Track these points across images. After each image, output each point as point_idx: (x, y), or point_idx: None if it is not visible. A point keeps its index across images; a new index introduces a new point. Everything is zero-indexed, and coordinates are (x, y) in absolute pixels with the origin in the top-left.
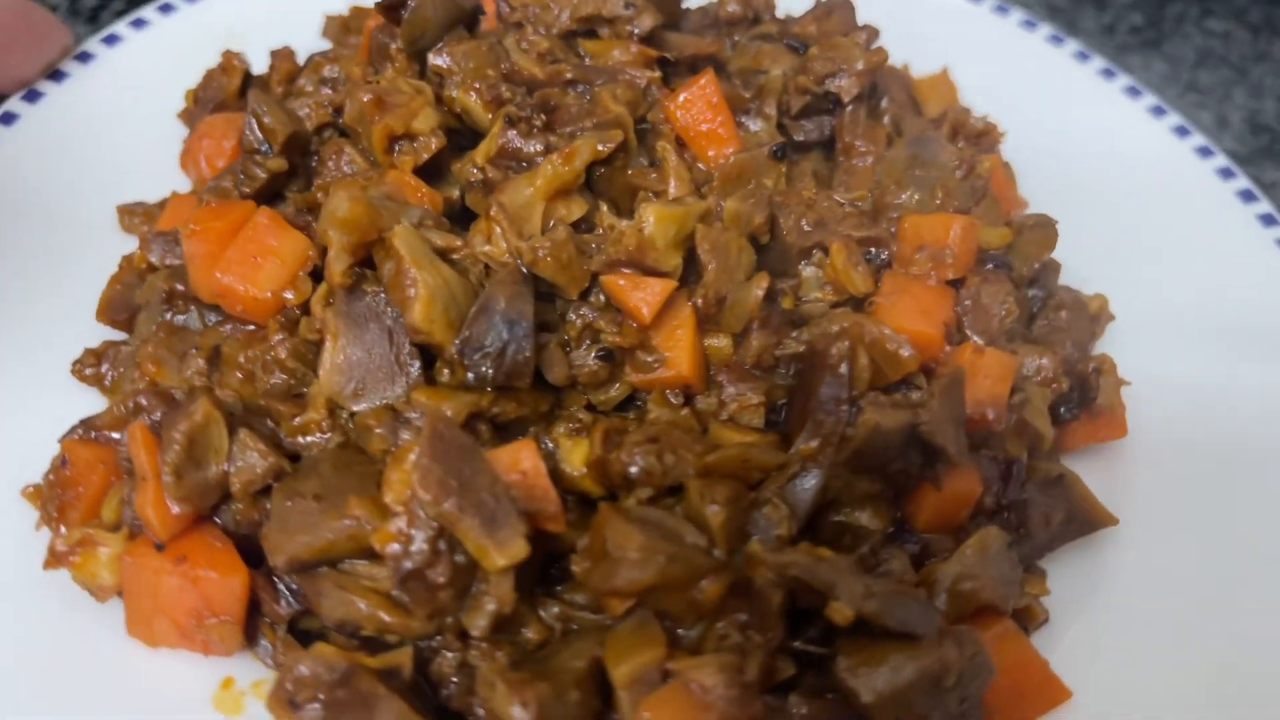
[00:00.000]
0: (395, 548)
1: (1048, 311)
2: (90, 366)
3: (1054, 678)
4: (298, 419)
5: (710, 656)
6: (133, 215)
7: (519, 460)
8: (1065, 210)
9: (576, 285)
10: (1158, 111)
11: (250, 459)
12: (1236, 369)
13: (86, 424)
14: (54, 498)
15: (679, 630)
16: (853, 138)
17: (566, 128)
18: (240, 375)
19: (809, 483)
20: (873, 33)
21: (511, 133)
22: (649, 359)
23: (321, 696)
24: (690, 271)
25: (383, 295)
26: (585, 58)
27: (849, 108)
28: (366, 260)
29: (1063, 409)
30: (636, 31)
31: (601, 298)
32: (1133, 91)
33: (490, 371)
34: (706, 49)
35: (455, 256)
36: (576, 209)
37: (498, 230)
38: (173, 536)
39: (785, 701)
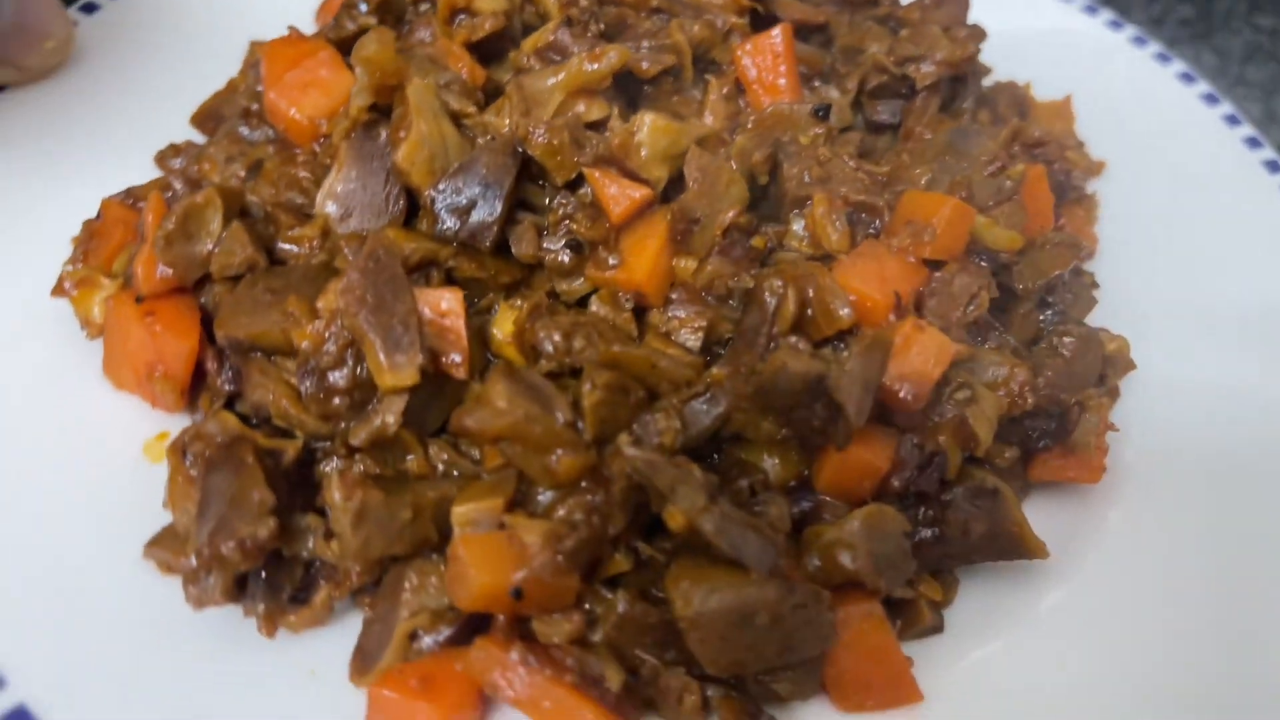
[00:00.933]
0: (307, 345)
1: (1054, 336)
2: (170, 157)
3: (908, 676)
4: (295, 230)
5: (540, 520)
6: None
7: (440, 302)
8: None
9: (563, 172)
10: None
11: (233, 247)
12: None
13: (129, 191)
14: (84, 243)
15: (538, 495)
16: (918, 125)
17: (626, 42)
18: (270, 187)
19: (709, 406)
20: (977, 33)
21: (564, 31)
22: (610, 259)
23: (206, 452)
24: (679, 192)
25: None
26: None
27: (921, 94)
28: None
29: (1037, 436)
30: None
31: (588, 194)
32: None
33: (455, 225)
34: (814, 17)
35: (466, 122)
36: (596, 110)
37: (509, 106)
38: (152, 294)
39: (609, 592)
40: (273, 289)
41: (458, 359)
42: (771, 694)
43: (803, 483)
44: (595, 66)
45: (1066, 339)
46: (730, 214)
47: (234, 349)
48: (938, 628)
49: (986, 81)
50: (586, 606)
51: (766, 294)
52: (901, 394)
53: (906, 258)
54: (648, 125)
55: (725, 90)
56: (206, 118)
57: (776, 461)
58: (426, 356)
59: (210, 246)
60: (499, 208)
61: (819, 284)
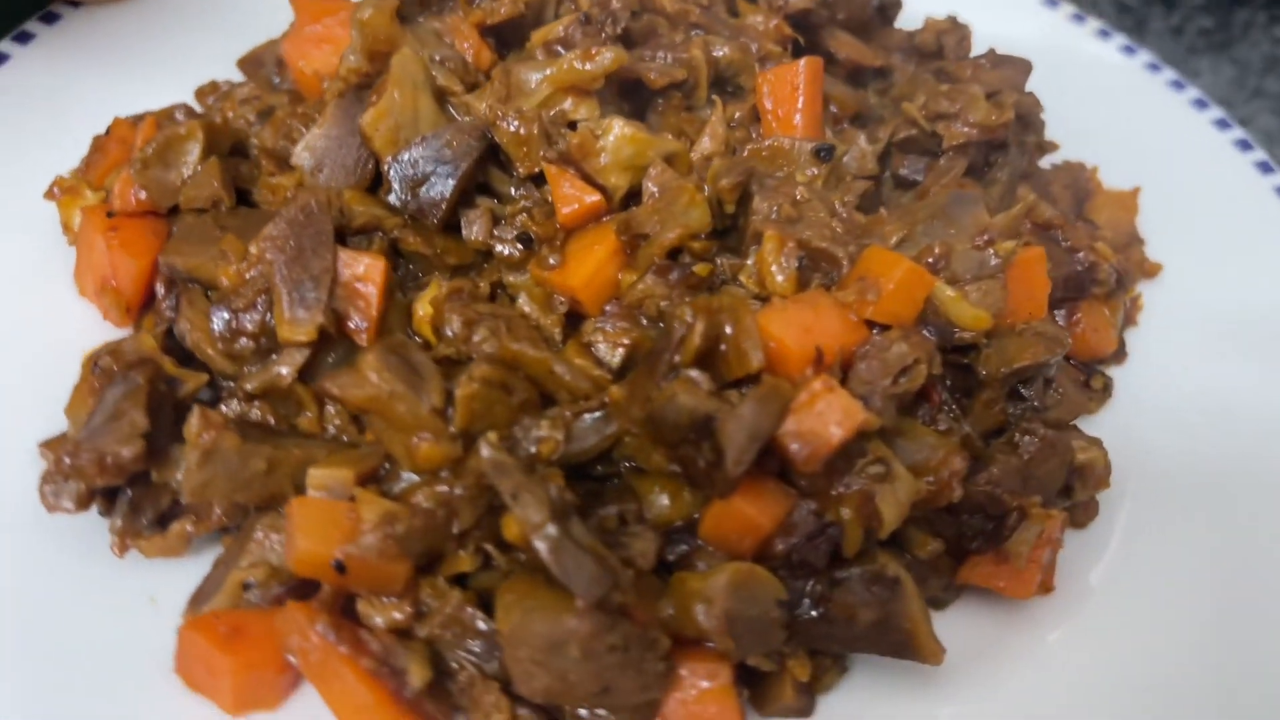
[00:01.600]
0: (227, 283)
1: (1018, 432)
2: (208, 94)
3: None
4: (274, 178)
5: (383, 501)
6: None
7: (360, 266)
8: None
9: (527, 164)
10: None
11: (203, 180)
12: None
13: (146, 115)
14: (89, 156)
15: (400, 476)
16: (935, 185)
17: (648, 50)
18: (271, 135)
19: (599, 425)
20: (1030, 103)
21: (578, 28)
22: (551, 259)
23: (115, 366)
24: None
25: None
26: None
27: (947, 154)
28: None
29: (971, 535)
30: (784, 5)
31: (550, 190)
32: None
33: (406, 197)
34: (869, 60)
35: (452, 101)
36: (585, 109)
37: (490, 90)
38: (123, 212)
39: (445, 586)
40: (223, 226)
41: (363, 325)
42: None
43: (690, 526)
44: (586, 66)
45: (1028, 438)
46: (674, 234)
47: (173, 276)
48: (802, 710)
49: (1056, 159)
50: (423, 599)
51: (676, 322)
52: (794, 451)
53: (849, 314)
54: (614, 132)
55: (738, 115)
56: (251, 62)
57: (667, 498)
58: (330, 317)
59: (185, 176)
60: (452, 187)
61: (738, 323)
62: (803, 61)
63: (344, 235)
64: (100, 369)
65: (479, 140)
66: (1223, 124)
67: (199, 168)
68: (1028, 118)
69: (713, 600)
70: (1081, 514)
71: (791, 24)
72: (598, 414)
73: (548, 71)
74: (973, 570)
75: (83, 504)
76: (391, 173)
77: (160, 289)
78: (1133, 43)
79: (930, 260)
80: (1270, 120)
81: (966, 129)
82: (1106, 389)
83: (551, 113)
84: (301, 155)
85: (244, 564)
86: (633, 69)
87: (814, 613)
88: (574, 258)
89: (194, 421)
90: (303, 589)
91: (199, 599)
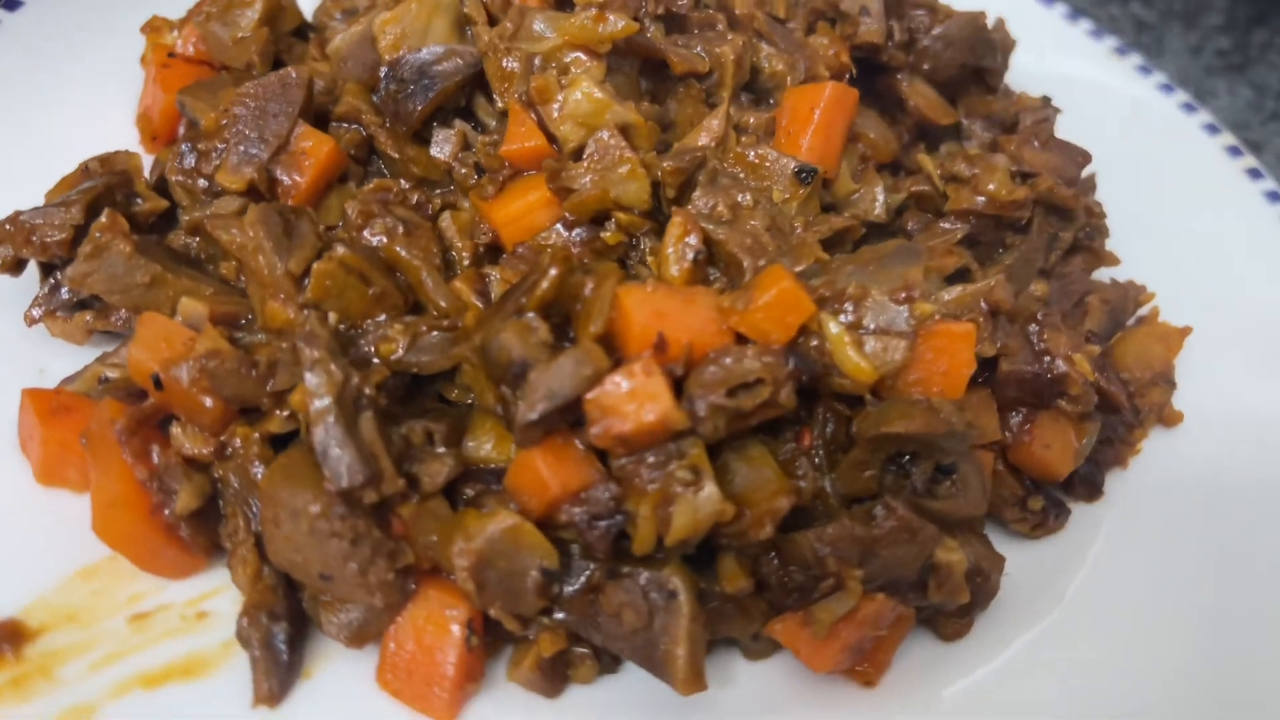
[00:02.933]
0: (204, 126)
1: (882, 505)
2: None
3: (449, 692)
4: (316, 63)
5: (218, 340)
6: None
7: (311, 138)
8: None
9: (504, 98)
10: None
11: (246, 46)
12: None
13: None
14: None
15: (258, 329)
16: (922, 242)
17: (691, 36)
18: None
19: (443, 343)
20: (1066, 196)
21: None
22: (489, 189)
23: (98, 168)
24: None
25: None
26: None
27: (947, 219)
28: None
29: (790, 589)
30: (852, 35)
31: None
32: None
33: (386, 98)
34: (937, 116)
35: (471, 30)
36: (593, 71)
37: (501, 23)
38: (181, 56)
39: (251, 437)
40: (237, 83)
41: (299, 189)
42: (301, 610)
43: (501, 472)
44: (597, 26)
45: (889, 521)
46: (595, 194)
47: (183, 114)
48: (542, 687)
49: (1117, 273)
50: (231, 444)
51: (536, 264)
52: (592, 422)
53: (720, 320)
54: (581, 89)
55: (752, 121)
56: None
57: (492, 440)
58: (263, 176)
59: (238, 37)
60: (428, 100)
61: (599, 287)
62: (829, 86)
63: (326, 118)
64: (87, 168)
65: (470, 67)
66: (1234, 151)
67: (250, 33)
68: (1064, 210)
69: (472, 540)
70: (947, 626)
71: (861, 59)
72: (447, 335)
73: (560, 23)
74: (780, 625)
75: (6, 267)
76: (383, 73)
77: (182, 128)
78: (1149, 63)
79: (836, 298)
80: None
81: (975, 197)
82: (1045, 516)
83: (551, 64)
84: (337, 45)
85: (109, 362)
86: (655, 47)
87: (579, 596)
88: (508, 194)
89: (100, 219)
90: (140, 395)
91: (67, 380)
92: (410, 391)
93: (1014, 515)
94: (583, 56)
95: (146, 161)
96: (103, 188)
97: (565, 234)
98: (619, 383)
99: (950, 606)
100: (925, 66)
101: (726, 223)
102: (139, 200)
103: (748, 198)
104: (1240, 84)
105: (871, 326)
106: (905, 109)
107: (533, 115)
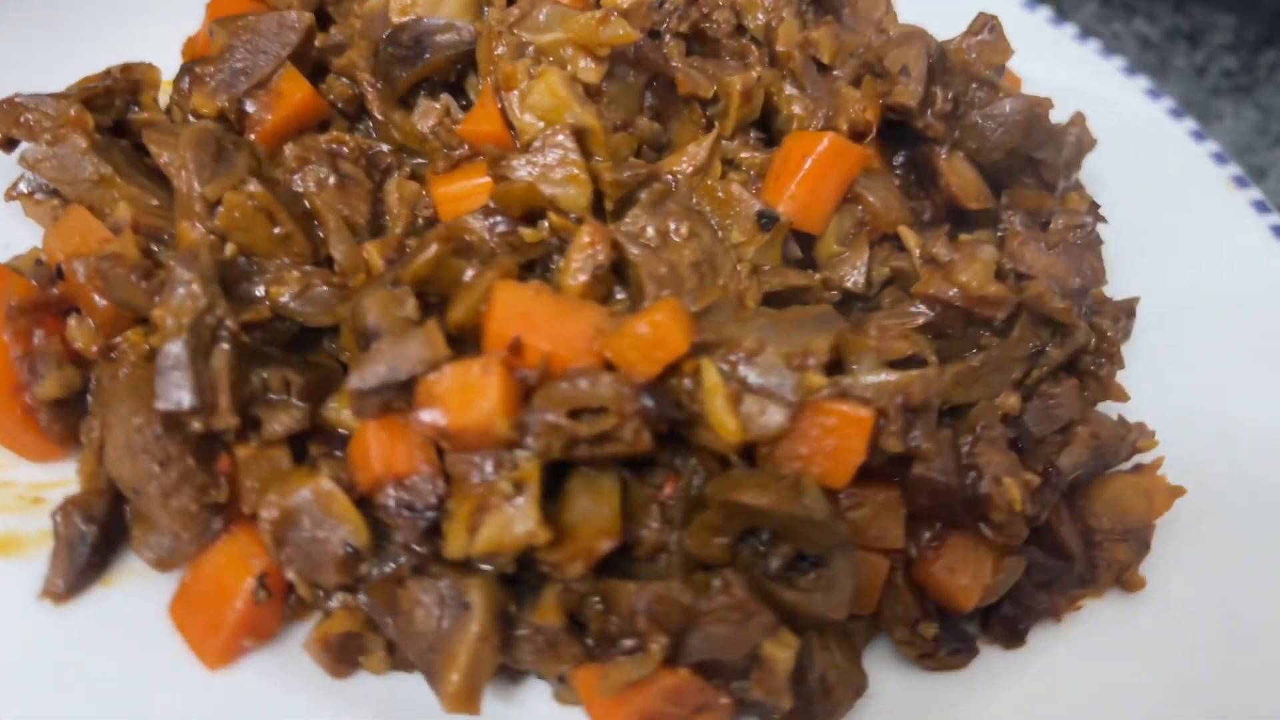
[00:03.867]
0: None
1: (716, 579)
2: None
3: (226, 639)
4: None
5: (127, 245)
6: None
7: (290, 82)
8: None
9: (485, 75)
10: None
11: None
12: None
13: None
14: None
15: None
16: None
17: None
18: None
19: (329, 299)
20: (1058, 308)
21: (648, 5)
22: (440, 165)
23: (116, 75)
24: None
25: None
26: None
27: (914, 299)
28: None
29: (602, 640)
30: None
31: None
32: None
33: (380, 58)
34: (967, 198)
35: (488, 7)
36: (592, 72)
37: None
38: None
39: (136, 342)
40: None
41: (259, 122)
42: (122, 522)
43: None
44: (600, 30)
45: (721, 596)
46: (522, 187)
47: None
48: (326, 663)
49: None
50: (120, 347)
51: (422, 246)
52: (420, 411)
53: (595, 340)
54: (547, 82)
55: (745, 155)
56: None
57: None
58: (233, 106)
59: None
60: (415, 69)
61: (479, 277)
62: (828, 138)
63: (325, 67)
64: (109, 72)
65: (465, 44)
66: (1241, 181)
67: None
68: (1055, 321)
69: (283, 497)
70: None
71: (902, 124)
72: (336, 291)
73: (566, 18)
74: (582, 673)
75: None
76: (386, 36)
77: None
78: (1155, 86)
79: (729, 347)
80: None
81: (946, 284)
82: (937, 647)
83: (549, 58)
84: (371, 4)
85: (45, 245)
86: (660, 63)
87: (383, 584)
88: (457, 173)
89: (70, 111)
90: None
91: (16, 257)
92: (302, 340)
93: (902, 635)
94: (589, 63)
95: None
96: (102, 90)
97: (483, 220)
98: (455, 375)
99: (775, 709)
100: (971, 144)
101: (650, 247)
102: (137, 109)
103: (684, 229)
104: (1246, 106)
105: (756, 386)
106: (937, 184)
107: (499, 101)
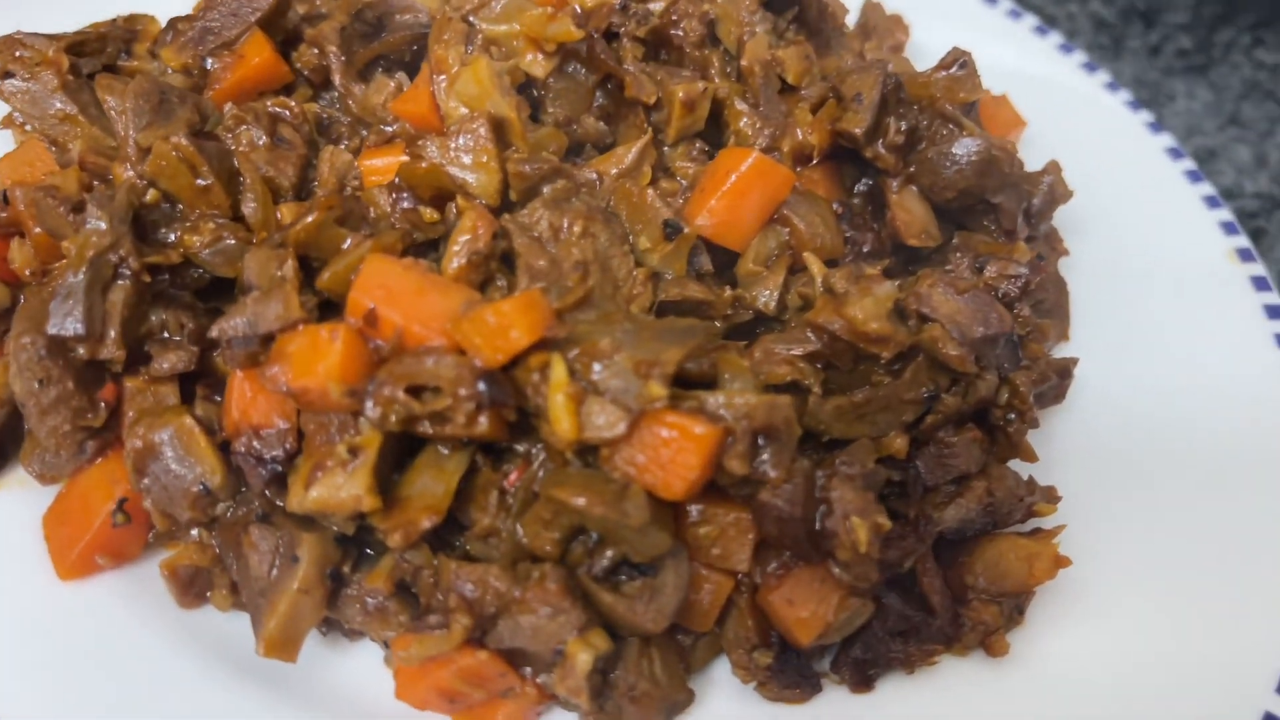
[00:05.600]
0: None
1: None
2: None
3: None
4: None
5: (69, 181)
6: None
7: (253, 46)
8: None
9: (430, 50)
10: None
11: None
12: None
13: None
14: None
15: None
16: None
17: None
18: None
19: (230, 252)
20: (945, 354)
21: (612, 8)
22: (371, 138)
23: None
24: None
25: None
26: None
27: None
28: None
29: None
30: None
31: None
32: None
33: (346, 31)
34: (911, 234)
35: None
36: (539, 66)
37: None
38: None
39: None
40: None
41: (216, 80)
42: (18, 431)
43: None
44: (548, 26)
45: (533, 588)
46: (423, 170)
47: None
48: (176, 596)
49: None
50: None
51: (306, 209)
52: (269, 366)
53: (450, 320)
54: (474, 71)
55: (679, 166)
56: None
57: None
58: (197, 63)
59: None
60: (370, 46)
61: (355, 247)
62: (753, 156)
63: (298, 39)
64: (115, 20)
65: (423, 27)
66: (1176, 153)
67: None
68: (953, 369)
69: (149, 431)
70: None
71: (843, 150)
72: (240, 246)
73: (524, 10)
74: (398, 641)
75: None
76: (354, 12)
77: None
78: (1111, 76)
79: (586, 348)
80: (1243, 151)
81: (833, 315)
82: (770, 676)
83: (501, 47)
84: None
85: None
86: (609, 64)
87: (232, 525)
88: (386, 148)
89: (48, 52)
90: None
91: None
92: (216, 288)
93: (738, 659)
94: (538, 57)
95: None
96: (95, 36)
97: (390, 197)
98: (304, 336)
99: (576, 707)
100: (924, 180)
101: (538, 240)
102: (128, 57)
103: (578, 227)
104: (1200, 85)
105: (602, 389)
106: (889, 222)
107: (432, 84)
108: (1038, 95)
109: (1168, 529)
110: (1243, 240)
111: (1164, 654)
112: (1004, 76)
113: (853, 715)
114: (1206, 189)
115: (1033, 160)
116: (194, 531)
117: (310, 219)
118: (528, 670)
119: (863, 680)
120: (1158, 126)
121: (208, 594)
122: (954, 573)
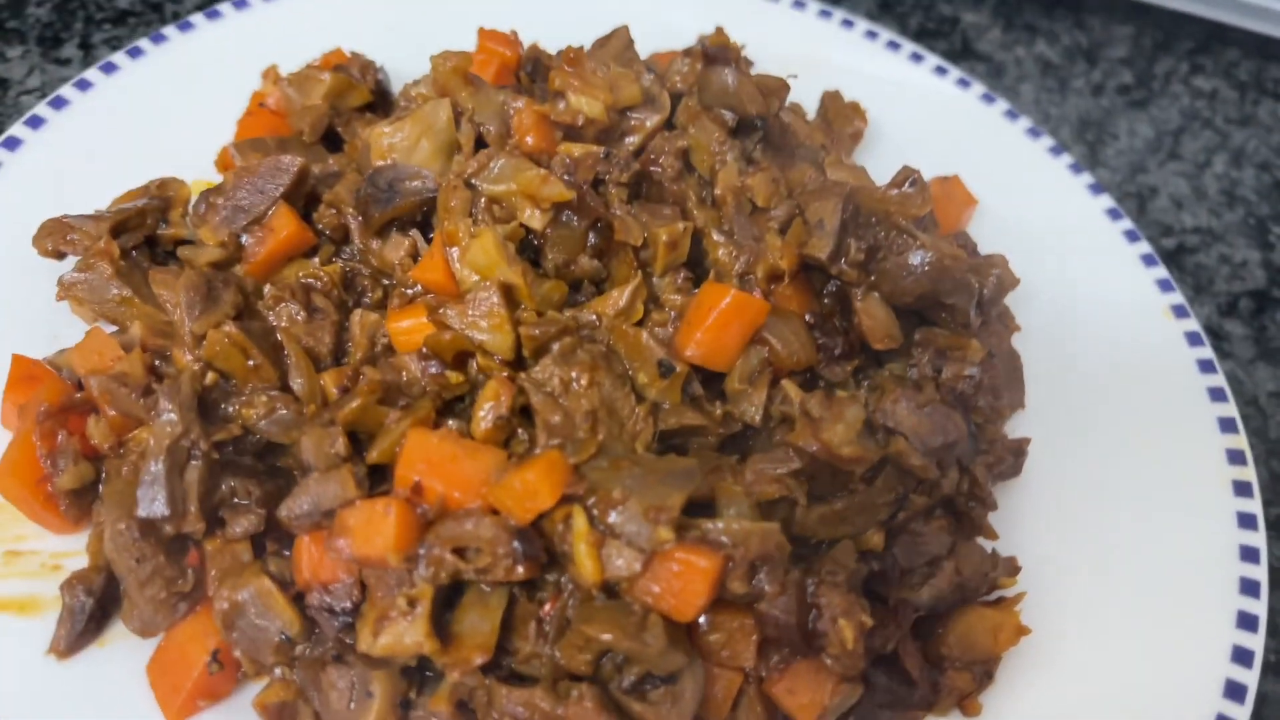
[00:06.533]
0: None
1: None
2: None
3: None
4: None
5: (134, 364)
6: None
7: (281, 219)
8: None
9: (440, 216)
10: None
11: (307, 114)
12: None
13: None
14: None
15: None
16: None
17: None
18: None
19: (286, 422)
20: (911, 465)
21: (596, 157)
22: (395, 300)
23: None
24: None
25: None
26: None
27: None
28: None
29: None
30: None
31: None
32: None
33: (360, 195)
34: (875, 338)
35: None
36: (536, 219)
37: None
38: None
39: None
40: (282, 147)
41: (253, 255)
42: (116, 594)
43: None
44: (540, 186)
45: (576, 705)
46: (447, 341)
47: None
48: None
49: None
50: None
51: (351, 396)
52: (334, 538)
53: (483, 485)
54: (481, 239)
55: (671, 300)
56: None
57: None
58: (232, 239)
59: (304, 104)
60: (385, 210)
61: (399, 423)
62: (731, 295)
63: (317, 199)
64: (148, 187)
65: (429, 192)
66: (1114, 214)
67: (313, 104)
68: (929, 481)
69: (233, 591)
70: None
71: (811, 270)
72: (293, 417)
73: (516, 172)
74: None
75: (49, 254)
76: (367, 177)
77: None
78: (1054, 140)
79: (601, 498)
80: (1180, 184)
81: (811, 439)
82: None
83: (501, 204)
84: (364, 136)
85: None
86: (600, 212)
87: (311, 664)
88: (411, 309)
89: (100, 243)
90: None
91: (58, 353)
92: (271, 448)
93: None
94: (535, 212)
95: None
96: (135, 211)
97: (420, 364)
98: (362, 511)
99: None
100: (885, 287)
101: (551, 396)
102: (166, 225)
103: (585, 379)
104: (1141, 121)
105: (618, 533)
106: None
107: (446, 253)
108: (987, 166)
109: (1114, 581)
110: (1177, 297)
111: (1123, 686)
112: (955, 153)
113: None
114: (1144, 248)
115: (985, 233)
116: (277, 670)
117: (355, 405)
118: None
119: None
120: (1098, 188)
121: None
122: (930, 645)
